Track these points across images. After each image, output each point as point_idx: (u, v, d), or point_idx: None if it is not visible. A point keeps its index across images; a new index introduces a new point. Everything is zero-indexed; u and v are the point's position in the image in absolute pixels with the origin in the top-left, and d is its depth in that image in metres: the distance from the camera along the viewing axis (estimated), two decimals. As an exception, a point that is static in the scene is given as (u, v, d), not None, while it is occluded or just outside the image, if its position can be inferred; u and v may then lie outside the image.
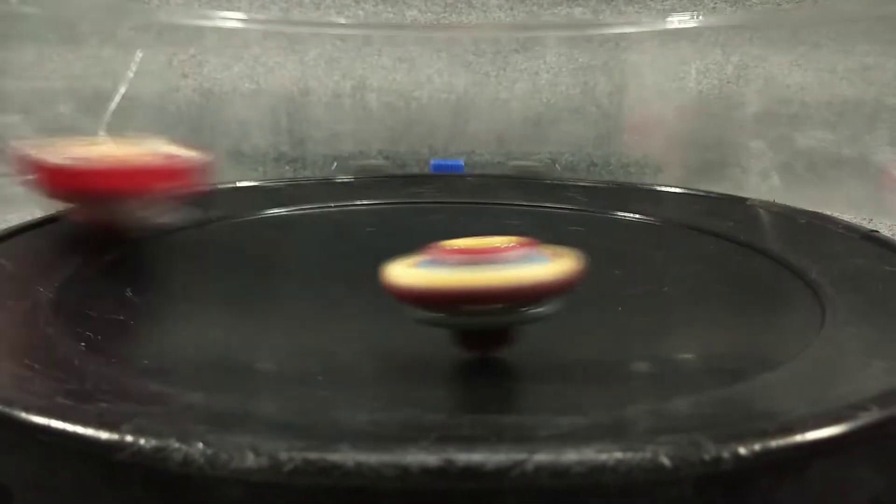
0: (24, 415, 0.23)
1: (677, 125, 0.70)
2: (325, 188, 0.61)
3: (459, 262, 0.28)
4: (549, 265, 0.28)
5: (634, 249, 0.47)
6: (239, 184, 0.60)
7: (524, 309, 0.28)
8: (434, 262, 0.29)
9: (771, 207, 0.54)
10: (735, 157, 0.69)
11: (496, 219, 0.53)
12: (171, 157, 0.44)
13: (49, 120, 0.64)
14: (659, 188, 0.62)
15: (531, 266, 0.28)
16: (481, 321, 0.29)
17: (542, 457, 0.21)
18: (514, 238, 0.30)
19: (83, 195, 0.42)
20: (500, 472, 0.21)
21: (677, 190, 0.61)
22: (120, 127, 0.66)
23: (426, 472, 0.21)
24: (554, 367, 0.32)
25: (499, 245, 0.29)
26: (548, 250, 0.30)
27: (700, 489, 0.21)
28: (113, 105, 0.65)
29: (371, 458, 0.21)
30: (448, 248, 0.29)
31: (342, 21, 0.69)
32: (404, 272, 0.29)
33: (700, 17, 0.67)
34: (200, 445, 0.21)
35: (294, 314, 0.37)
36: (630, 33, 0.69)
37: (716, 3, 0.68)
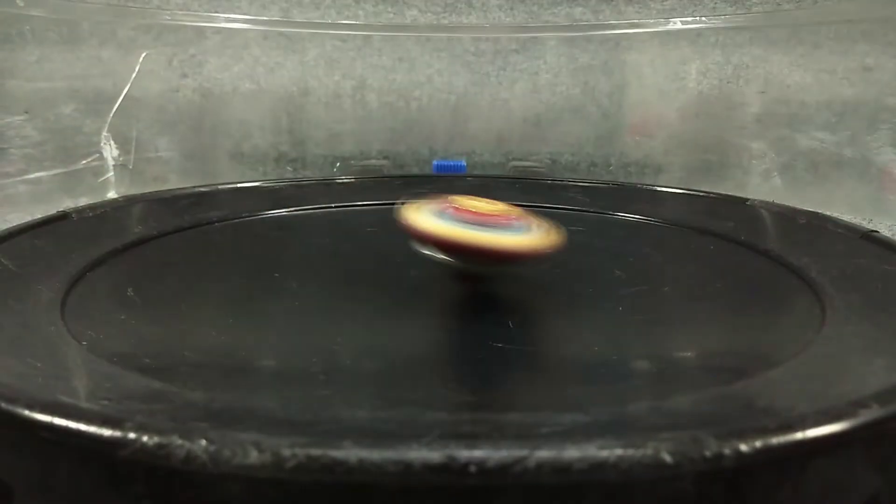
0: (26, 412, 0.23)
1: (677, 125, 0.70)
2: (326, 188, 0.61)
3: (469, 221, 0.36)
4: (533, 236, 0.37)
5: (634, 249, 0.47)
6: (239, 184, 0.60)
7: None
8: (447, 215, 0.36)
9: (771, 208, 0.54)
10: (735, 158, 0.69)
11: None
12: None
13: (51, 120, 0.64)
14: (659, 188, 0.62)
15: (522, 235, 0.36)
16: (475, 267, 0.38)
17: (544, 453, 0.21)
18: (507, 207, 0.38)
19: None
20: (502, 469, 0.21)
21: (677, 190, 0.61)
22: (121, 127, 0.66)
23: (428, 468, 0.21)
24: (555, 365, 0.32)
25: (500, 213, 0.37)
26: (534, 220, 0.38)
27: (701, 485, 0.22)
28: (116, 105, 0.65)
29: (373, 454, 0.21)
30: (459, 205, 0.37)
31: (342, 21, 0.69)
32: (425, 219, 0.37)
33: (700, 18, 0.68)
34: (203, 442, 0.21)
35: (295, 313, 0.37)
36: (630, 33, 0.69)
37: (716, 4, 0.68)
